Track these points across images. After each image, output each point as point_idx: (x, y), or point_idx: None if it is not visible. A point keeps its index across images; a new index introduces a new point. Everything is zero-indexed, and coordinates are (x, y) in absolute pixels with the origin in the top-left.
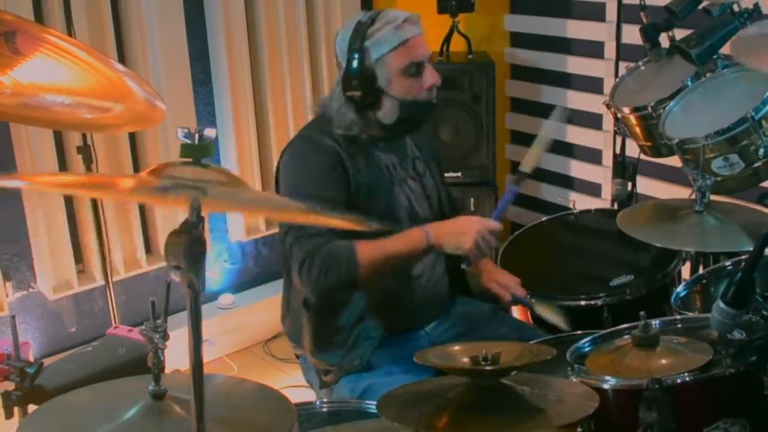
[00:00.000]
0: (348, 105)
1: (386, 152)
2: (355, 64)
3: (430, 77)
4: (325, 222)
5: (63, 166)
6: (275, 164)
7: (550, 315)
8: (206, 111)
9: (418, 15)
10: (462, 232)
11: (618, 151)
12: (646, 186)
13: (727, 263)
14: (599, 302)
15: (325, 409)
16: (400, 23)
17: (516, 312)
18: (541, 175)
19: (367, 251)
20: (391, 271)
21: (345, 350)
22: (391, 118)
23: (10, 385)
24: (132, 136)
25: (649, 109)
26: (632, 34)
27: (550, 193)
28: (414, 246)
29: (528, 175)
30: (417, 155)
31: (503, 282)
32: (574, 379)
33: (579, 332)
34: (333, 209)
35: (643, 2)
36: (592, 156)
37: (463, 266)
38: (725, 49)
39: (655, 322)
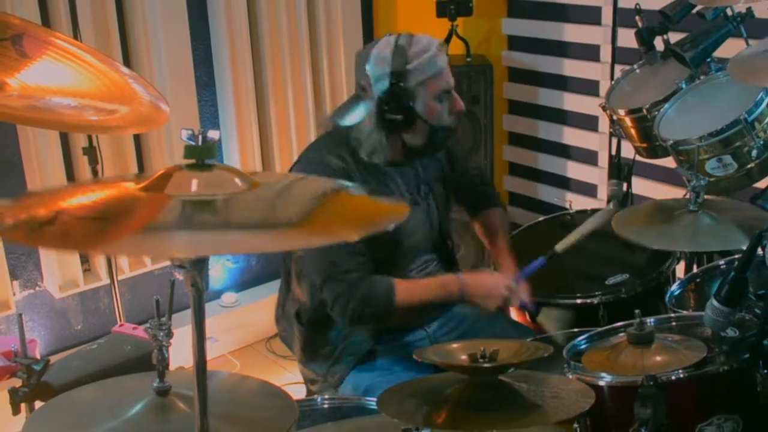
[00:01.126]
0: (380, 129)
1: (397, 178)
2: (396, 86)
3: (457, 103)
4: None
5: (69, 167)
6: (277, 164)
7: (549, 325)
8: (209, 113)
9: (444, 42)
10: (491, 292)
11: (614, 152)
12: (641, 186)
13: (721, 262)
14: (595, 300)
15: (326, 406)
16: (435, 52)
17: (513, 313)
18: (538, 175)
19: (405, 293)
20: (421, 312)
21: (330, 362)
22: (419, 141)
23: (17, 382)
24: (137, 138)
25: (644, 111)
26: (628, 38)
27: (547, 193)
28: (446, 294)
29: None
30: (422, 179)
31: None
32: (571, 376)
33: (575, 330)
34: None
35: (638, 6)
36: (589, 157)
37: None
38: (719, 52)
39: (650, 320)
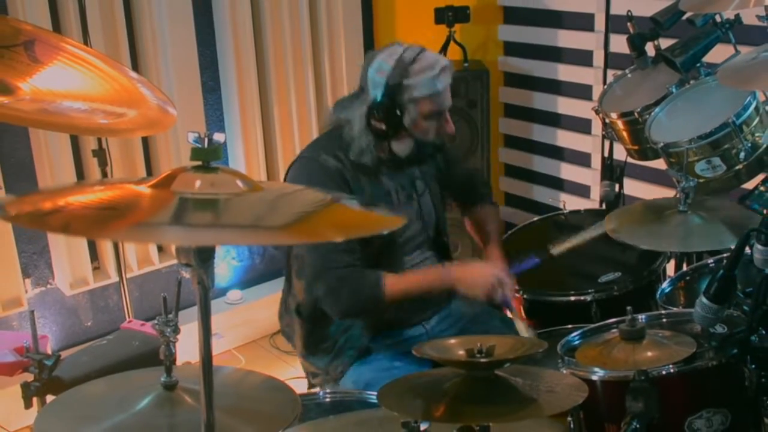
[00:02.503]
0: (368, 132)
1: (390, 176)
2: (388, 97)
3: (448, 126)
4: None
5: (79, 169)
6: (280, 166)
7: (521, 329)
8: (215, 116)
9: (452, 64)
10: (479, 278)
11: (606, 154)
12: (632, 187)
13: (710, 261)
14: (588, 298)
15: (328, 400)
16: (437, 73)
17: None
18: (532, 177)
19: (393, 286)
20: (413, 305)
21: (330, 357)
22: (405, 151)
23: (29, 377)
24: (145, 140)
25: (636, 114)
26: (620, 44)
27: (541, 194)
28: (433, 285)
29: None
30: (418, 175)
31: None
32: (565, 371)
33: (569, 326)
34: None
35: (630, 13)
36: (582, 159)
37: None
38: (708, 58)
39: (642, 317)
